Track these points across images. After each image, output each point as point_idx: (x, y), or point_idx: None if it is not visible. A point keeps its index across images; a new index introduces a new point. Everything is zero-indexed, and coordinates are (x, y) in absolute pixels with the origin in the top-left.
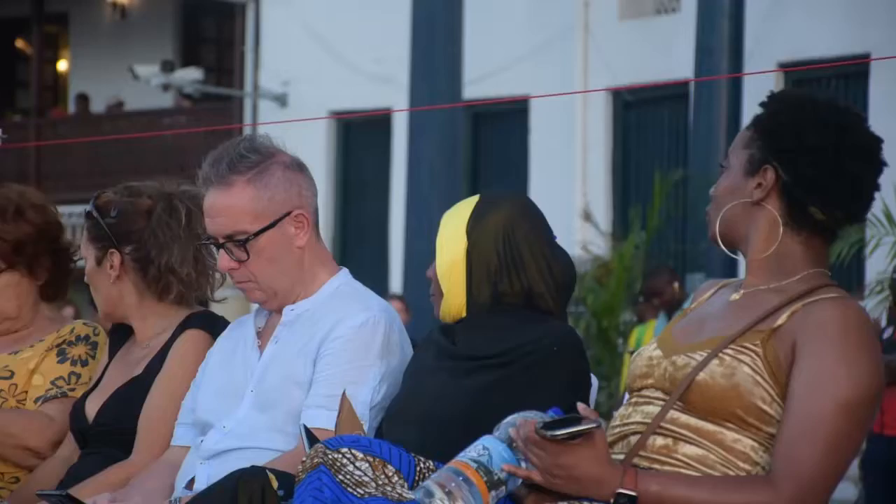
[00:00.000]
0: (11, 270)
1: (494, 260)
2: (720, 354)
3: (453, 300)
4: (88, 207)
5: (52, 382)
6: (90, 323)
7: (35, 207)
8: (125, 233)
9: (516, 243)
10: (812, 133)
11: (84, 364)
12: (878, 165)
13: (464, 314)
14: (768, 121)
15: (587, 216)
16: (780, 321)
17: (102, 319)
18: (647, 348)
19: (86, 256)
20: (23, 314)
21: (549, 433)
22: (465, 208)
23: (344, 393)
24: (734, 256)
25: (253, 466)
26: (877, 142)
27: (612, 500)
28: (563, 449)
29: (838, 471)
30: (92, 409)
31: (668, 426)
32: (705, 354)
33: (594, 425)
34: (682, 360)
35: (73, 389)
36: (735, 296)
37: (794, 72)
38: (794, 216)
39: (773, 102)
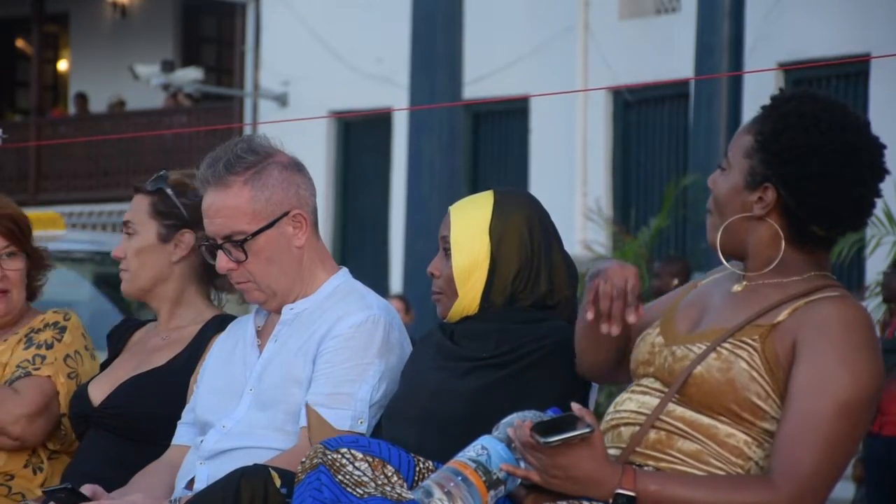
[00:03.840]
0: (25, 257)
1: (518, 264)
2: (718, 348)
3: (468, 302)
4: (158, 184)
5: (17, 366)
6: (61, 310)
7: (16, 206)
8: (200, 217)
9: (538, 246)
10: (817, 160)
11: (49, 347)
12: (882, 175)
13: (473, 313)
14: (771, 140)
15: (595, 211)
16: (780, 317)
17: (132, 294)
18: (650, 333)
19: (139, 231)
20: (21, 307)
21: (543, 440)
22: (481, 206)
23: (307, 404)
24: (738, 272)
25: (256, 464)
26: (880, 150)
27: (610, 500)
28: (559, 450)
29: (837, 470)
30: (98, 393)
31: (662, 418)
32: (704, 347)
33: (587, 430)
34: (681, 351)
35: (37, 369)
36: (737, 287)
37: (794, 71)
38: (796, 232)
39: (775, 117)
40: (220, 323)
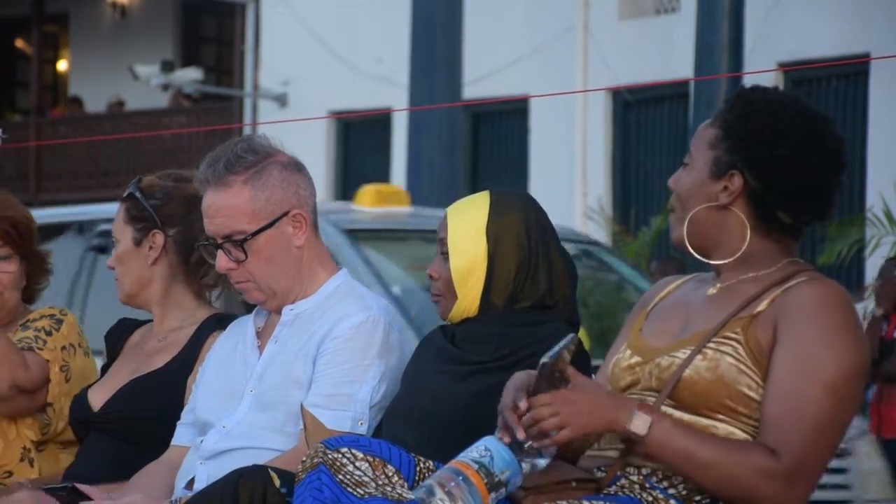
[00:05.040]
0: (22, 260)
1: (516, 264)
2: (703, 349)
3: (468, 303)
4: (129, 189)
5: (19, 341)
6: (56, 307)
7: (20, 209)
8: (170, 215)
9: (536, 245)
10: (785, 143)
11: (48, 333)
12: (843, 168)
13: (473, 314)
14: (738, 126)
15: (596, 211)
16: (760, 308)
17: (123, 301)
18: (622, 358)
19: (119, 238)
20: (13, 308)
21: (543, 360)
22: (477, 207)
23: (302, 405)
24: (705, 260)
25: (254, 465)
26: (842, 141)
27: (628, 426)
28: (564, 393)
29: (829, 449)
30: (97, 398)
31: None
32: (689, 351)
33: (571, 336)
34: (666, 360)
35: (40, 348)
36: (712, 290)
37: (794, 71)
38: (762, 220)
39: (741, 105)
40: (215, 322)
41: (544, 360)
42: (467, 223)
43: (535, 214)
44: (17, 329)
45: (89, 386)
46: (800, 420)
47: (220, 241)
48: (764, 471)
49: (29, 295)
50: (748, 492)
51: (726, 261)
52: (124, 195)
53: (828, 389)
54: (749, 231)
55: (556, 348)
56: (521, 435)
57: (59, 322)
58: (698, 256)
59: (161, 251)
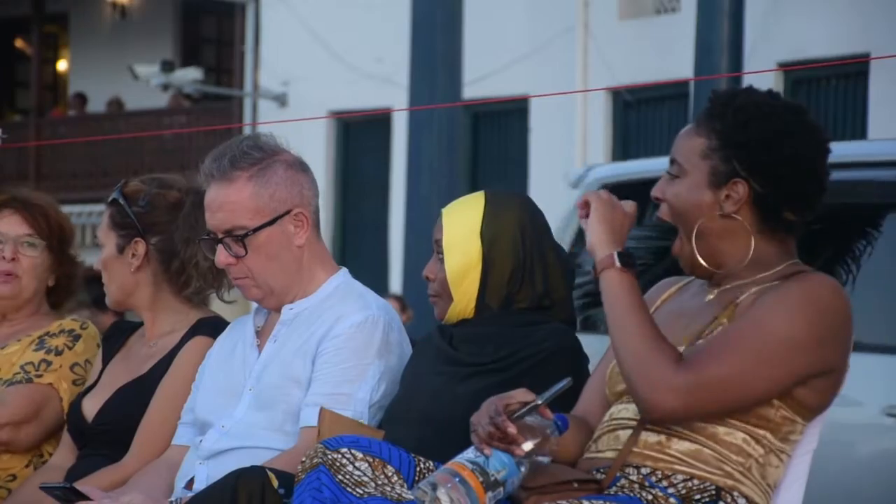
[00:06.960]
0: (47, 252)
1: (511, 265)
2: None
3: (463, 304)
4: (114, 195)
5: (21, 367)
6: (79, 318)
7: (62, 215)
8: (152, 223)
9: (531, 246)
10: (786, 144)
11: (58, 353)
12: (828, 153)
13: (470, 315)
14: (735, 134)
15: None
16: (744, 297)
17: (111, 306)
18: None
19: (104, 243)
20: (31, 302)
21: (536, 400)
22: (472, 208)
23: (322, 408)
24: (716, 271)
25: (253, 466)
26: (823, 129)
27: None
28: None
29: (726, 394)
30: (91, 408)
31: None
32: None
33: (566, 381)
34: None
35: (39, 376)
36: (710, 296)
37: (794, 71)
38: (768, 222)
39: (732, 112)
40: (202, 327)
41: (538, 400)
42: (462, 224)
43: (531, 215)
44: (35, 341)
45: (86, 392)
46: (724, 352)
47: (220, 235)
48: (663, 366)
49: (55, 300)
50: (639, 378)
51: (733, 269)
52: (109, 200)
53: (762, 334)
54: (754, 236)
55: (551, 392)
56: (487, 452)
57: (76, 339)
58: (710, 268)
59: (143, 259)
